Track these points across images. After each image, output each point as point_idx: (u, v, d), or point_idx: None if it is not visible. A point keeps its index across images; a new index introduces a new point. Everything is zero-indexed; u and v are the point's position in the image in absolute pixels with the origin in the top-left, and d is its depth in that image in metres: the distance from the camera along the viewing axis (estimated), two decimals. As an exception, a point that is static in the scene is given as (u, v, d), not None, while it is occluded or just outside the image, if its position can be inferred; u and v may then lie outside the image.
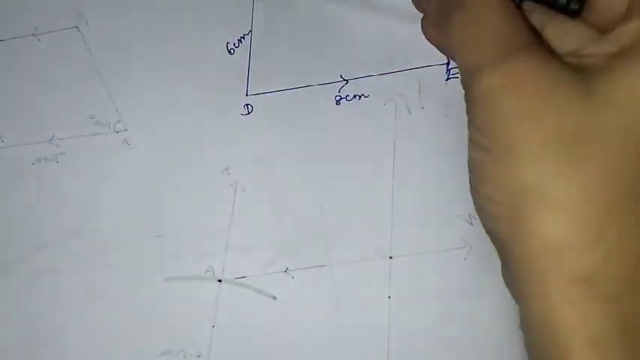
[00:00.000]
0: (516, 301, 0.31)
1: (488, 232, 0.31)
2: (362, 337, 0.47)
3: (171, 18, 0.47)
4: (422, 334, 0.46)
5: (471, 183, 0.31)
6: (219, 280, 0.47)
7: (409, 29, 0.46)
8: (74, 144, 0.48)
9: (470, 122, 0.30)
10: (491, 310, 0.46)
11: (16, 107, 0.48)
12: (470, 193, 0.33)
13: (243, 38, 0.47)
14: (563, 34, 0.31)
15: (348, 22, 0.46)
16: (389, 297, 0.46)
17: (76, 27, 0.48)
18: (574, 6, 0.32)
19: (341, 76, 0.46)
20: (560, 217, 0.27)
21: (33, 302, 0.48)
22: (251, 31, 0.47)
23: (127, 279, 0.47)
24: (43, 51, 0.48)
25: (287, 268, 0.47)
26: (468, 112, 0.30)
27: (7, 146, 0.48)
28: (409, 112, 0.46)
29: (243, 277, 0.47)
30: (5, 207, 0.48)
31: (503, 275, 0.32)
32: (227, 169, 0.47)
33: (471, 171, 0.31)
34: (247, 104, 0.47)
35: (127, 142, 0.47)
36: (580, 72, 0.28)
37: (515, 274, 0.30)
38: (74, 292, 0.48)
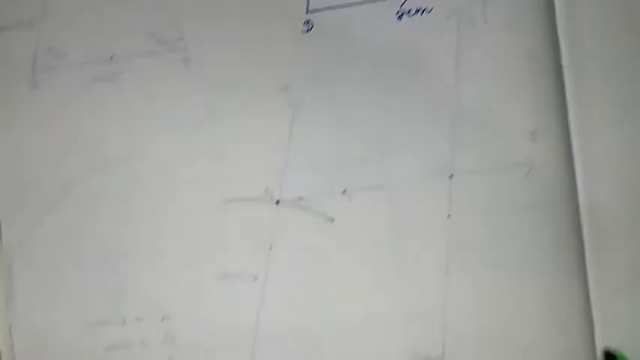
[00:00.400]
0: None
1: None
2: (419, 257, 0.46)
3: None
4: (480, 252, 0.45)
5: None
6: (277, 202, 0.47)
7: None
8: (134, 62, 0.48)
9: None
10: (550, 226, 0.45)
11: (78, 26, 0.48)
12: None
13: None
14: None
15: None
16: (448, 216, 0.46)
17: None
18: None
19: (402, -11, 0.46)
20: None
21: (93, 222, 0.47)
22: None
23: (186, 200, 0.47)
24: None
25: (345, 189, 0.46)
26: None
27: (67, 65, 0.48)
28: (473, 26, 0.45)
29: (300, 199, 0.47)
30: (66, 125, 0.48)
31: None
32: (286, 87, 0.47)
33: None
34: (308, 21, 0.46)
35: (186, 61, 0.47)
36: None
37: None
38: (134, 212, 0.48)
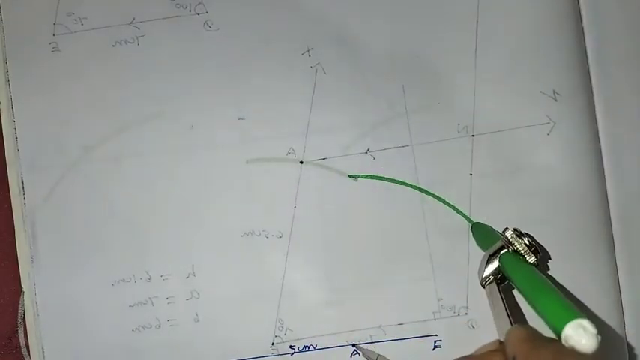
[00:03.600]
0: None
1: None
2: (442, 214, 0.47)
3: None
4: (502, 210, 0.47)
5: None
6: (301, 162, 0.48)
7: None
8: (154, 26, 0.48)
9: None
10: (572, 186, 0.46)
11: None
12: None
13: None
14: None
15: None
16: (470, 174, 0.47)
17: None
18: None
19: None
20: None
21: (116, 184, 0.48)
22: None
23: (209, 161, 0.48)
24: None
25: (368, 149, 0.47)
26: None
27: (87, 29, 0.48)
28: (496, -15, 0.46)
29: (324, 159, 0.47)
30: (86, 89, 0.48)
31: None
32: (308, 50, 0.47)
33: None
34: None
35: (207, 25, 0.47)
36: None
37: None
38: (156, 174, 0.48)
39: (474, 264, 0.46)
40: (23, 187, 0.47)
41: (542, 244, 0.46)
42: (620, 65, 0.45)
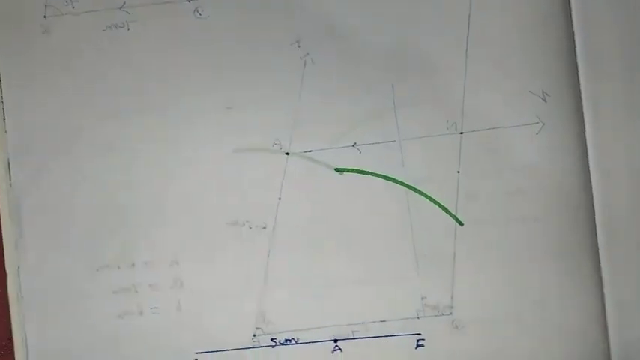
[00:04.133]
0: None
1: None
2: (429, 212, 0.46)
3: None
4: (489, 210, 0.46)
5: None
6: (287, 153, 0.47)
7: None
8: (145, 11, 0.48)
9: None
10: (559, 186, 0.45)
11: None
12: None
13: None
14: None
15: None
16: (458, 172, 0.46)
17: None
18: None
19: None
20: None
21: (103, 169, 0.48)
22: None
23: (196, 149, 0.48)
24: None
25: (355, 143, 0.47)
26: None
27: (78, 12, 0.48)
28: (488, -16, 0.45)
29: (310, 151, 0.47)
30: (76, 75, 0.48)
31: None
32: (297, 41, 0.47)
33: None
34: (323, -26, 0.46)
35: (197, 11, 0.47)
36: None
37: None
38: (145, 160, 0.48)
39: (460, 263, 0.46)
40: (10, 171, 0.47)
41: (528, 242, 0.45)
42: (608, 68, 0.44)
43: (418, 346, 0.46)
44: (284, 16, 0.47)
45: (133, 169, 0.48)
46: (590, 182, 0.45)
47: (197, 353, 0.47)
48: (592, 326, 0.46)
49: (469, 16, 0.46)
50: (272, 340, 0.47)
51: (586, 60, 0.45)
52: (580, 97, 0.45)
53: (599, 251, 0.45)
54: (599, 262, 0.45)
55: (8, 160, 0.47)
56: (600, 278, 0.45)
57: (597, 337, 0.46)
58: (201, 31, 0.47)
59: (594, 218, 0.45)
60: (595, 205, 0.45)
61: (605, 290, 0.45)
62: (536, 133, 0.46)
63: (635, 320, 0.46)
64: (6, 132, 0.47)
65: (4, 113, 0.47)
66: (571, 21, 0.45)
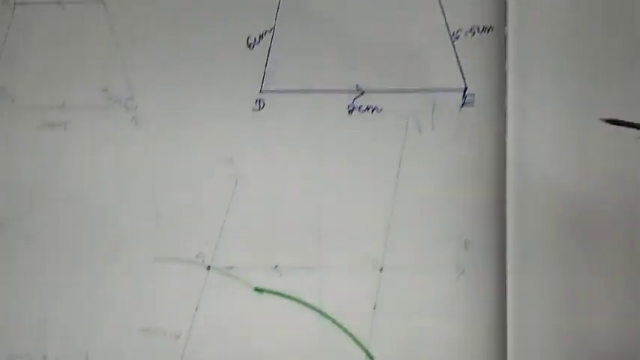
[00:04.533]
0: None
1: None
2: (342, 342, 0.47)
3: (197, 4, 0.47)
4: (402, 349, 0.47)
5: None
6: (208, 267, 0.48)
7: (433, 50, 0.46)
8: (84, 114, 0.48)
9: None
10: (476, 336, 0.46)
11: (32, 70, 0.48)
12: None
13: (265, 34, 0.47)
14: None
15: (375, 33, 0.46)
16: (374, 307, 0.47)
17: (102, 1, 0.47)
18: None
19: (357, 86, 0.46)
20: None
21: (23, 259, 0.48)
22: (274, 28, 0.47)
23: (118, 252, 0.48)
24: (66, 19, 0.48)
25: (277, 265, 0.47)
26: None
27: (17, 107, 0.48)
28: (420, 132, 0.46)
29: (231, 268, 0.48)
30: (7, 166, 0.48)
31: None
32: (231, 159, 0.47)
33: None
34: (260, 100, 0.47)
35: (135, 120, 0.47)
36: None
37: None
38: (66, 255, 0.48)
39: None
40: None
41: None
42: (535, 224, 0.45)
43: None
44: (220, 134, 0.47)
45: (52, 263, 0.49)
46: (505, 337, 0.46)
47: None
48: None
49: (401, 158, 0.46)
50: None
51: (514, 215, 0.45)
52: (504, 247, 0.45)
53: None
54: None
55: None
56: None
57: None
58: (135, 140, 0.48)
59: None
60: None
61: None
62: (456, 280, 0.46)
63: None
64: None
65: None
66: (504, 174, 0.45)
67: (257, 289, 0.47)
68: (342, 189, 0.46)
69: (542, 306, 0.46)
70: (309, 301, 0.47)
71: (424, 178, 0.46)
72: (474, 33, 0.45)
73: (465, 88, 0.45)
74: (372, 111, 0.46)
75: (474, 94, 0.45)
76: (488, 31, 0.45)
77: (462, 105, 0.45)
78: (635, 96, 0.44)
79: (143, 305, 0.47)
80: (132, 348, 0.47)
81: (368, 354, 0.47)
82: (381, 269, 0.47)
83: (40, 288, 0.48)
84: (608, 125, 0.44)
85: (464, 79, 0.45)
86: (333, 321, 0.47)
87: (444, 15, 0.45)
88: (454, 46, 0.45)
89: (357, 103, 0.46)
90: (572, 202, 0.45)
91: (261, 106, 0.46)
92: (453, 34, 0.45)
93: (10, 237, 0.47)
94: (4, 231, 0.47)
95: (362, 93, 0.46)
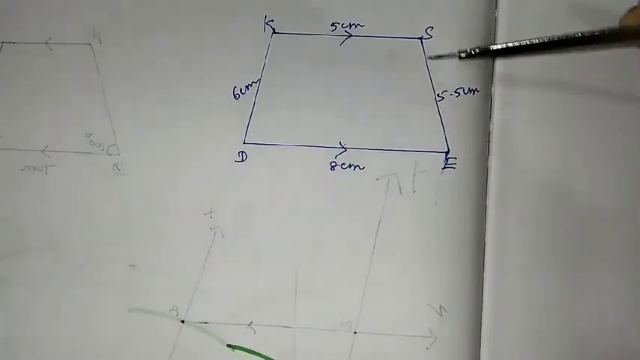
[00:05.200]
0: None
1: None
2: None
3: (185, 52, 0.47)
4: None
5: None
6: (182, 321, 0.47)
7: (418, 111, 0.45)
8: (66, 158, 0.48)
9: None
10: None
11: (14, 112, 0.48)
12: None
13: (251, 86, 0.46)
14: None
15: (361, 90, 0.46)
16: (347, 372, 0.46)
17: (90, 44, 0.48)
18: None
19: (340, 142, 0.46)
20: None
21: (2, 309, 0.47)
22: (260, 80, 0.46)
23: (93, 301, 0.48)
24: (52, 61, 0.48)
25: (251, 322, 0.47)
26: None
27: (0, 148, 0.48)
28: (400, 193, 0.46)
29: (206, 323, 0.47)
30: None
31: None
32: (211, 212, 0.47)
33: None
34: (242, 152, 0.46)
35: (117, 167, 0.47)
36: None
37: None
38: (40, 304, 0.48)
39: None
40: None
41: None
42: (513, 298, 0.44)
43: None
44: (201, 186, 0.47)
45: (29, 308, 0.49)
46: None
47: None
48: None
49: (380, 218, 0.45)
50: None
51: (492, 289, 0.44)
52: (479, 314, 0.44)
53: None
54: None
55: None
56: None
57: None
58: (117, 187, 0.47)
59: None
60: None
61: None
62: (427, 347, 0.45)
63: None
64: None
65: None
66: (484, 242, 0.45)
67: (229, 346, 0.46)
68: (320, 248, 0.46)
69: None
70: (281, 359, 0.45)
71: (403, 240, 0.45)
72: (458, 94, 0.44)
73: (448, 151, 0.44)
74: (355, 168, 0.45)
75: (455, 157, 0.44)
76: (474, 92, 0.44)
77: (444, 167, 0.44)
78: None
79: (113, 355, 0.46)
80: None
81: (340, 421, 0.45)
82: (355, 332, 0.45)
83: (16, 335, 0.47)
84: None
85: (447, 141, 0.44)
86: (305, 382, 0.45)
87: (430, 76, 0.45)
88: (438, 108, 0.44)
89: (339, 160, 0.45)
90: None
91: (244, 158, 0.46)
92: (438, 95, 0.45)
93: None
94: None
95: (345, 150, 0.45)
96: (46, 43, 0.48)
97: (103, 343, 0.47)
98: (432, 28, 0.45)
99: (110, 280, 0.47)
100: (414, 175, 0.45)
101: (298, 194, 0.46)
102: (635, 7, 0.40)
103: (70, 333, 0.47)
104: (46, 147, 0.47)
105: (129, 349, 0.47)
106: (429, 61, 0.45)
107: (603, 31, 0.39)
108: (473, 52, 0.41)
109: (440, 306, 0.45)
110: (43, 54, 0.48)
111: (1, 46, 0.48)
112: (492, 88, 0.45)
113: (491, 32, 0.45)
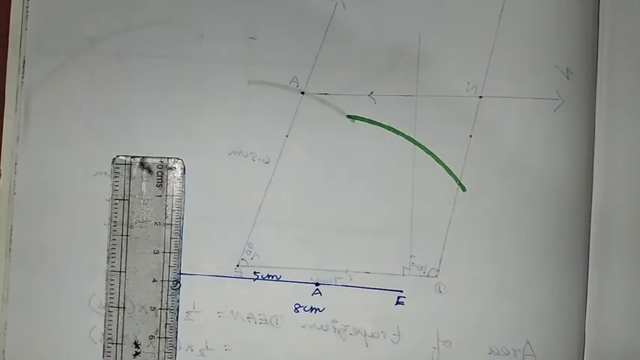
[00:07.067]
0: None
1: None
2: (435, 172, 0.46)
3: None
4: (495, 180, 0.46)
5: None
6: (302, 92, 0.47)
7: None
8: None
9: None
10: (568, 160, 0.45)
11: None
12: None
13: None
14: None
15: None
16: (470, 136, 0.46)
17: None
18: None
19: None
20: None
21: (114, 80, 0.48)
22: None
23: (211, 73, 0.48)
24: None
25: (372, 92, 0.46)
26: None
27: None
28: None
29: (326, 94, 0.47)
30: None
31: None
32: (333, -17, 0.46)
33: None
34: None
35: None
36: None
37: None
38: (156, 77, 0.48)
39: (455, 228, 0.46)
40: (24, 67, 0.47)
41: (526, 220, 0.46)
42: (627, 58, 0.44)
43: (398, 303, 0.46)
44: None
45: (144, 82, 0.48)
46: (591, 181, 0.44)
47: (180, 274, 0.46)
48: (568, 329, 0.45)
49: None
50: (254, 273, 0.46)
51: (609, 48, 0.44)
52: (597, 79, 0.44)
53: (590, 257, 0.45)
54: (587, 267, 0.44)
55: (24, 56, 0.47)
56: (586, 282, 0.45)
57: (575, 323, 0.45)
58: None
59: (590, 211, 0.44)
60: (593, 198, 0.44)
61: (589, 296, 0.44)
62: (554, 110, 0.45)
63: (613, 320, 0.45)
64: (26, 29, 0.47)
65: (27, 9, 0.47)
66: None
67: (349, 117, 0.46)
68: (445, 6, 0.45)
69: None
70: (402, 129, 0.46)
71: (526, 8, 0.46)
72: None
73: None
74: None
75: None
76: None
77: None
78: None
79: (234, 128, 0.47)
80: (220, 171, 0.47)
81: (460, 185, 0.45)
82: (481, 97, 0.45)
83: (131, 105, 0.48)
84: None
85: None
86: (426, 149, 0.45)
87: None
88: None
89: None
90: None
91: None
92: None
93: (103, 54, 0.48)
94: (98, 48, 0.48)
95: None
96: None
97: (220, 112, 0.48)
98: None
99: (229, 51, 0.47)
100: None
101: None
102: None
103: (185, 102, 0.48)
104: None
105: (248, 119, 0.47)
106: None
107: None
108: None
109: (567, 68, 0.45)
110: None
111: None
112: None
113: None
